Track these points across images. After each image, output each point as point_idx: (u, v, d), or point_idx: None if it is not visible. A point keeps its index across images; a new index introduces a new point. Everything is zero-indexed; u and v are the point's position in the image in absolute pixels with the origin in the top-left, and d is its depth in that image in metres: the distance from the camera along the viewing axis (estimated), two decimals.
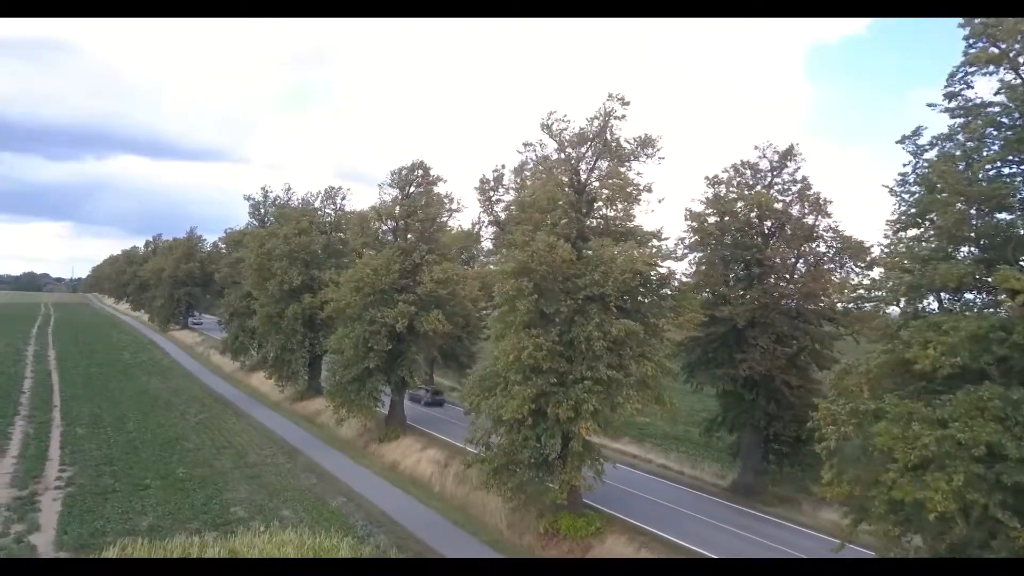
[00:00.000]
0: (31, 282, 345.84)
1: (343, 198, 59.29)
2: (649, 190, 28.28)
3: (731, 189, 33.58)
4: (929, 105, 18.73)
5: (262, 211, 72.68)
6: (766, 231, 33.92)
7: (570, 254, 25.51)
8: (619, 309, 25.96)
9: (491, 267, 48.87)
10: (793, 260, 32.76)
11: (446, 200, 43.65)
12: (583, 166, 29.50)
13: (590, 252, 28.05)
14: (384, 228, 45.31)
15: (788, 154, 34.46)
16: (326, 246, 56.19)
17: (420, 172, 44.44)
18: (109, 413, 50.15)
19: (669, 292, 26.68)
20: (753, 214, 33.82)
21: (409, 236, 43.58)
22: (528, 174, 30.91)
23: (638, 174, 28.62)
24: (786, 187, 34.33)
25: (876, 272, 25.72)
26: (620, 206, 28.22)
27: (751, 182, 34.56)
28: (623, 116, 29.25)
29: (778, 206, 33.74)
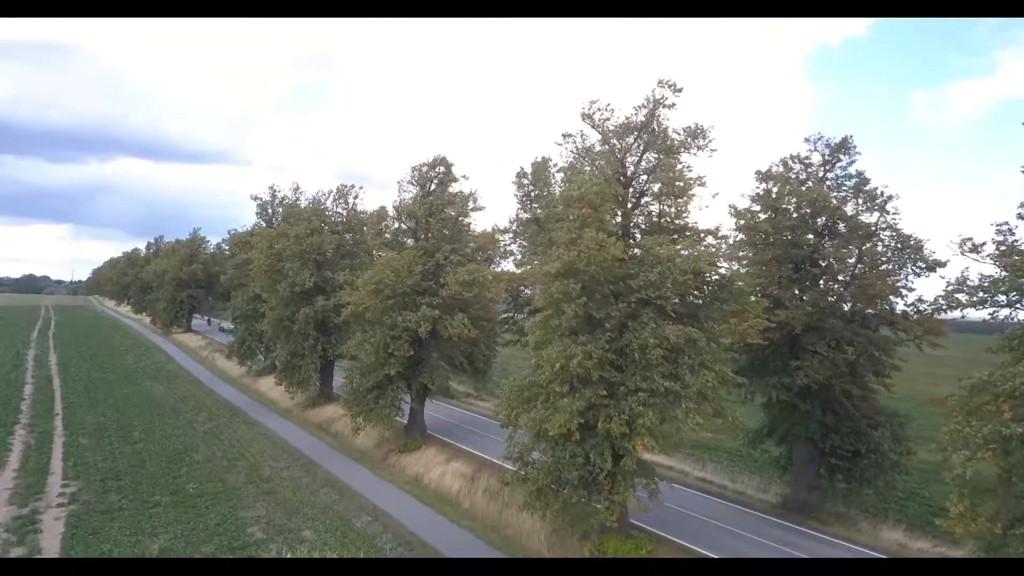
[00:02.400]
0: (31, 284, 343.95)
1: (355, 197, 57.05)
2: (703, 183, 26.02)
3: (784, 184, 31.27)
4: None
5: (270, 211, 70.65)
6: (819, 229, 31.69)
7: (623, 253, 23.26)
8: (675, 314, 23.71)
9: (516, 269, 46.66)
10: (853, 260, 30.46)
11: (470, 198, 41.38)
12: (630, 158, 27.27)
13: (638, 251, 25.88)
14: (404, 227, 43.06)
15: (842, 147, 32.24)
16: (338, 246, 53.99)
17: (442, 169, 42.25)
18: (113, 421, 47.91)
19: (730, 295, 24.29)
20: (806, 210, 31.60)
21: (431, 236, 41.32)
22: (568, 167, 28.62)
23: (688, 167, 26.39)
24: (839, 182, 32.13)
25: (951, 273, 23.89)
26: (672, 201, 25.94)
27: (803, 176, 32.36)
28: (672, 105, 27.05)
29: (828, 204, 31.53)
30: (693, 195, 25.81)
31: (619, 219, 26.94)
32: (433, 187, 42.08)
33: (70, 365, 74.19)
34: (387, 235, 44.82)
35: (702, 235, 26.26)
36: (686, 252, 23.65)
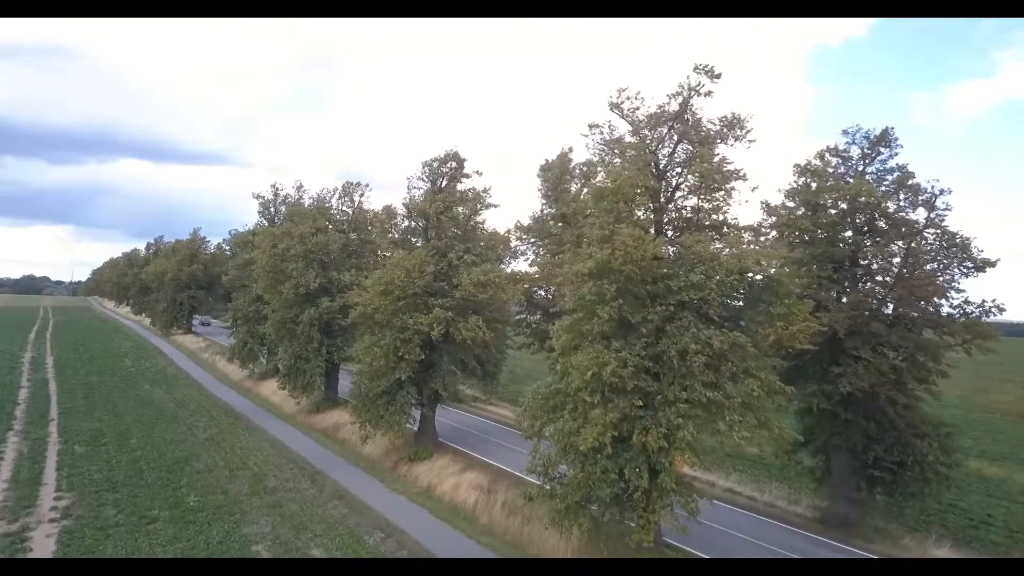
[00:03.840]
0: (31, 285, 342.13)
1: (361, 195, 55.13)
2: (743, 177, 24.17)
3: (824, 179, 29.40)
4: None
5: (272, 210, 68.96)
6: (859, 226, 29.83)
7: (662, 250, 21.40)
8: (717, 317, 21.86)
9: (529, 269, 44.85)
10: (900, 258, 28.59)
11: (483, 194, 39.52)
12: (664, 149, 25.42)
13: (672, 249, 24.05)
14: (414, 226, 41.21)
15: (882, 139, 30.41)
16: (344, 246, 52.12)
17: (453, 164, 40.40)
18: (111, 428, 45.98)
19: (775, 296, 22.38)
20: (844, 206, 29.75)
21: (442, 234, 39.47)
22: (598, 160, 26.76)
23: (726, 159, 24.54)
24: (880, 176, 30.28)
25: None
26: (709, 195, 24.09)
27: (841, 171, 30.52)
28: (709, 92, 25.21)
29: (871, 200, 29.67)
30: (732, 188, 24.01)
31: (650, 215, 25.16)
32: (444, 183, 40.27)
33: (67, 368, 72.28)
34: (395, 233, 43.03)
35: (741, 232, 24.47)
36: (729, 250, 21.78)
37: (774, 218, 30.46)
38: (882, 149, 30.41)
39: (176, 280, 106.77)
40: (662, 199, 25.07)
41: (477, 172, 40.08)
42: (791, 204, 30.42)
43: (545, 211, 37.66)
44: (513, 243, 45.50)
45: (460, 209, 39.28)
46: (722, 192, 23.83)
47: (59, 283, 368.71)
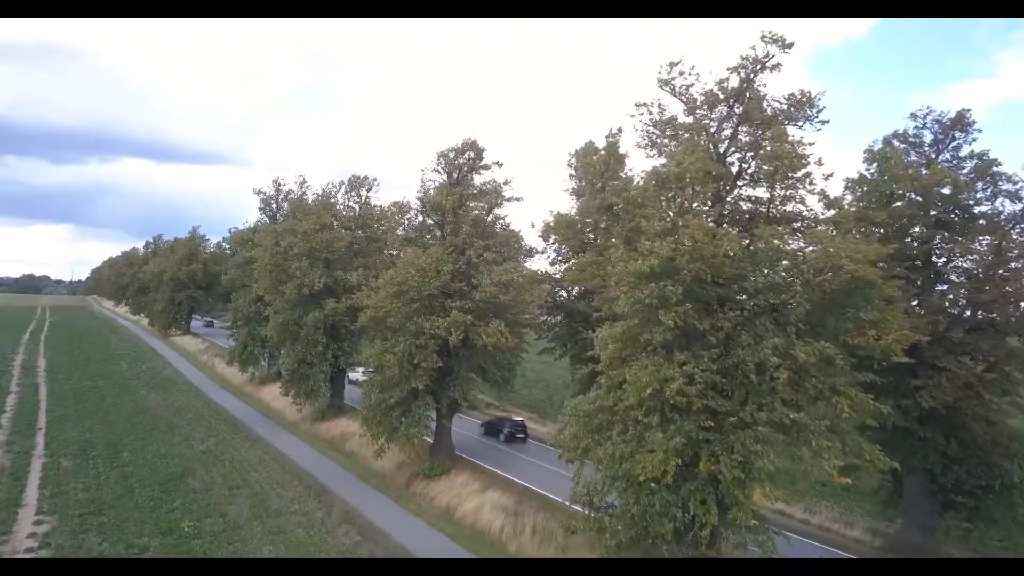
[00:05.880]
0: (30, 284, 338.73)
1: (369, 189, 51.85)
2: (820, 162, 20.97)
3: (897, 167, 26.18)
4: None
5: (274, 206, 65.73)
6: (932, 221, 26.61)
7: (740, 247, 18.21)
8: (802, 324, 18.66)
9: (550, 268, 41.59)
10: (981, 256, 25.40)
11: (505, 187, 36.27)
12: (726, 131, 22.22)
13: (740, 245, 20.84)
14: (428, 222, 38.03)
15: (958, 123, 27.22)
16: (351, 244, 48.88)
17: (471, 154, 37.19)
18: (101, 438, 42.81)
19: (866, 300, 19.16)
20: (916, 198, 26.54)
21: (460, 230, 36.29)
22: (643, 143, 23.51)
23: (801, 141, 21.35)
24: (958, 164, 27.08)
25: None
26: (782, 183, 20.89)
27: (913, 158, 27.33)
28: (777, 66, 22.05)
29: (946, 190, 26.50)
30: (810, 174, 20.82)
31: (708, 206, 21.96)
32: (461, 175, 37.05)
33: (59, 372, 69.04)
34: (404, 230, 39.94)
35: (817, 225, 21.28)
36: (814, 246, 18.59)
37: (832, 211, 27.22)
38: (956, 134, 27.20)
39: (174, 279, 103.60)
40: (723, 187, 21.86)
41: (497, 163, 36.89)
42: (849, 196, 27.17)
43: (577, 205, 34.29)
44: (538, 237, 42.15)
45: (480, 203, 36.04)
46: (790, 179, 20.61)
47: (59, 282, 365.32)
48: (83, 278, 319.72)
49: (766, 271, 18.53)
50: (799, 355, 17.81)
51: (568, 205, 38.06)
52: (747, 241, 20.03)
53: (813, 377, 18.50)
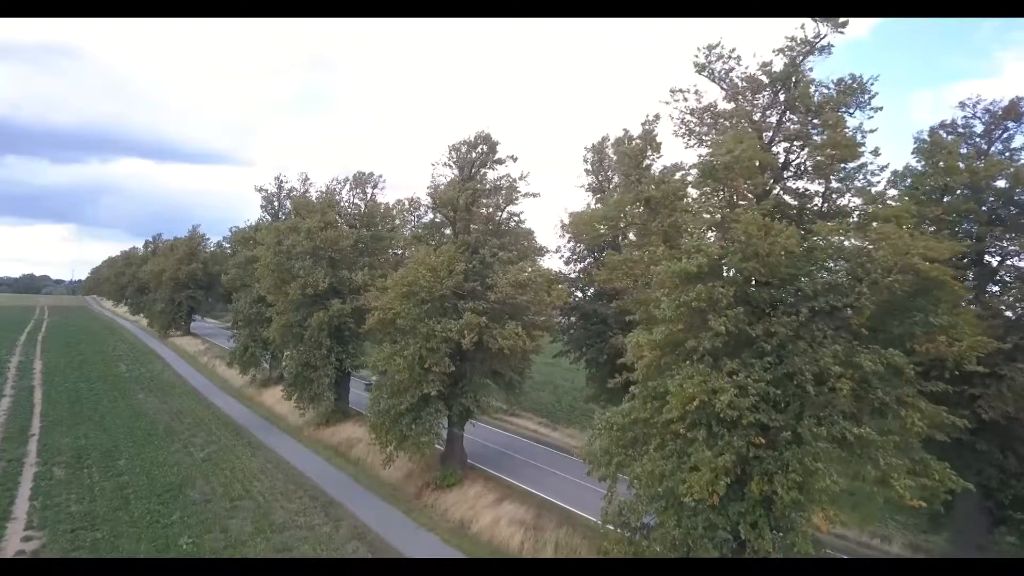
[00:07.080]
0: (30, 284, 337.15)
1: (375, 186, 50.04)
2: (877, 151, 19.19)
3: (953, 157, 24.34)
4: None
5: (276, 204, 64.03)
6: (986, 216, 24.78)
7: (797, 243, 16.38)
8: (865, 330, 16.86)
9: (565, 268, 39.81)
10: None
11: (521, 183, 34.42)
12: (771, 118, 20.42)
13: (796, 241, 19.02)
14: (439, 219, 36.24)
15: (1011, 112, 25.37)
16: (356, 242, 47.06)
17: (484, 148, 35.38)
18: (97, 445, 41.05)
19: (936, 303, 17.35)
20: (967, 192, 24.73)
21: (472, 227, 34.50)
22: (679, 132, 21.69)
23: (860, 129, 19.56)
24: (1011, 156, 25.26)
25: None
26: (836, 174, 19.09)
27: (963, 150, 25.49)
28: (828, 47, 20.26)
29: (1001, 183, 24.69)
30: (864, 165, 19.03)
31: (756, 200, 20.15)
32: (474, 171, 35.22)
33: (56, 374, 67.28)
34: (412, 228, 38.09)
35: (873, 220, 19.45)
36: (881, 243, 16.77)
37: (879, 206, 25.42)
38: (1010, 124, 25.37)
39: (174, 279, 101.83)
40: (770, 179, 20.05)
41: (512, 157, 35.04)
42: (893, 191, 25.34)
43: (595, 199, 32.49)
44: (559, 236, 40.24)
45: (494, 199, 34.24)
46: (851, 170, 18.83)
47: (59, 282, 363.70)
48: (83, 278, 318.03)
49: (825, 271, 16.74)
50: (864, 363, 16.02)
51: (583, 202, 36.18)
52: (806, 237, 18.22)
53: (877, 388, 16.69)
